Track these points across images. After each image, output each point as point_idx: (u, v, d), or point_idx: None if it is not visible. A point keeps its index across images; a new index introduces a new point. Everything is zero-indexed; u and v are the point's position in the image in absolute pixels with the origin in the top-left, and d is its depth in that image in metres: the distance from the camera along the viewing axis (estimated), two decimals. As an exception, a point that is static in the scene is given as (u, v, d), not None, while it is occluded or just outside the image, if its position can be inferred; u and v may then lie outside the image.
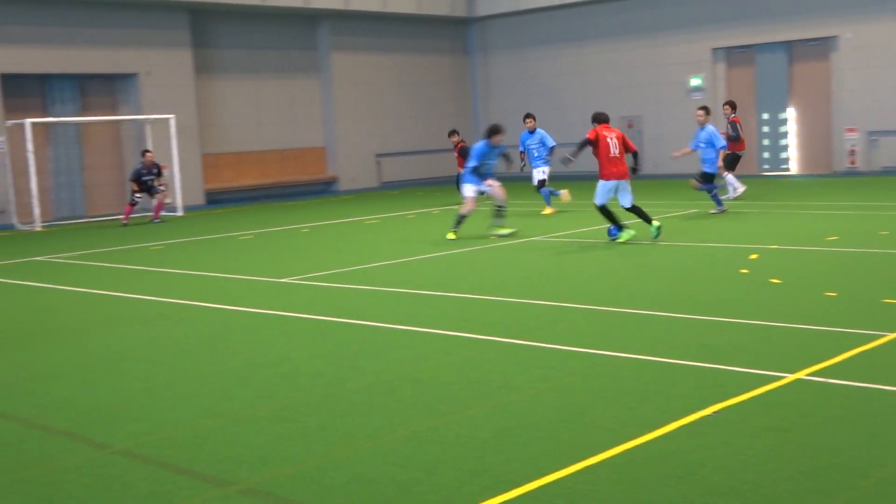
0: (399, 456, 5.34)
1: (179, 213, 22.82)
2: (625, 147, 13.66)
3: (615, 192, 13.70)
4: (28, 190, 21.35)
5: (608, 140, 13.52)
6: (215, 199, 25.85)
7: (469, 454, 5.32)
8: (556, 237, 14.88)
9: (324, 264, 13.17)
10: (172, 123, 23.26)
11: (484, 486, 4.85)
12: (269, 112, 27.20)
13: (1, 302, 11.47)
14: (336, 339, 8.49)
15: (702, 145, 16.97)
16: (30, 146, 21.00)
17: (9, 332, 9.57)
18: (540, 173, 18.52)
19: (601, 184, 13.57)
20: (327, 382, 7.02)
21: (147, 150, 21.35)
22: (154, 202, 20.86)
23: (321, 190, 28.36)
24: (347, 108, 28.30)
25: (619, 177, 13.55)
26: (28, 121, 21.04)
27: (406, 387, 6.78)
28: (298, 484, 5.02)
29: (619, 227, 13.70)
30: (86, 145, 24.03)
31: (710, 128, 16.95)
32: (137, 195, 20.76)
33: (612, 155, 13.53)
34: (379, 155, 28.95)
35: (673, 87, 27.29)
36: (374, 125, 28.74)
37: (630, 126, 27.81)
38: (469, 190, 15.32)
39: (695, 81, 26.86)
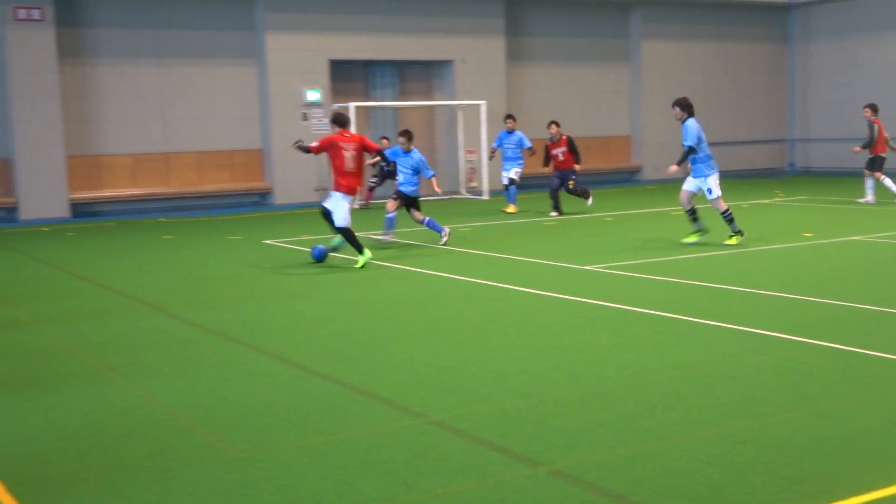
0: (711, 454, 5.21)
1: (485, 196, 23.44)
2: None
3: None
4: (348, 169, 22.70)
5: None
6: (521, 184, 26.26)
7: (786, 460, 5.10)
8: (876, 237, 13.91)
9: (627, 254, 13.07)
10: (483, 109, 23.93)
11: (803, 494, 4.63)
12: (576, 99, 27.32)
13: (326, 273, 12.28)
14: (640, 328, 8.40)
15: None
16: (353, 128, 22.28)
17: (330, 302, 10.24)
18: (512, 173, 19.44)
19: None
20: (633, 372, 6.97)
21: (384, 138, 21.93)
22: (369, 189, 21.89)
23: (625, 179, 28.16)
24: (655, 96, 27.85)
25: None
26: (352, 104, 22.41)
27: (717, 384, 6.60)
28: (607, 471, 5.02)
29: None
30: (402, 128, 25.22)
31: None
32: (374, 179, 21.92)
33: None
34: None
35: None
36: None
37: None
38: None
39: None
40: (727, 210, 13.71)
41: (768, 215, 17.94)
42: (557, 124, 19.14)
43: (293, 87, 22.97)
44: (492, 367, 7.25)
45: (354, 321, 9.12)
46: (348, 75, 24.39)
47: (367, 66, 24.64)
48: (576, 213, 19.00)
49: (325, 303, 10.13)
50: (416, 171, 14.85)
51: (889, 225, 15.40)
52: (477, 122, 23.95)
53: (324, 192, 23.24)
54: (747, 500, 4.60)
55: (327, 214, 12.64)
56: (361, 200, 21.99)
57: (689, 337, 8.05)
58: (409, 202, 14.82)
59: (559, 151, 18.94)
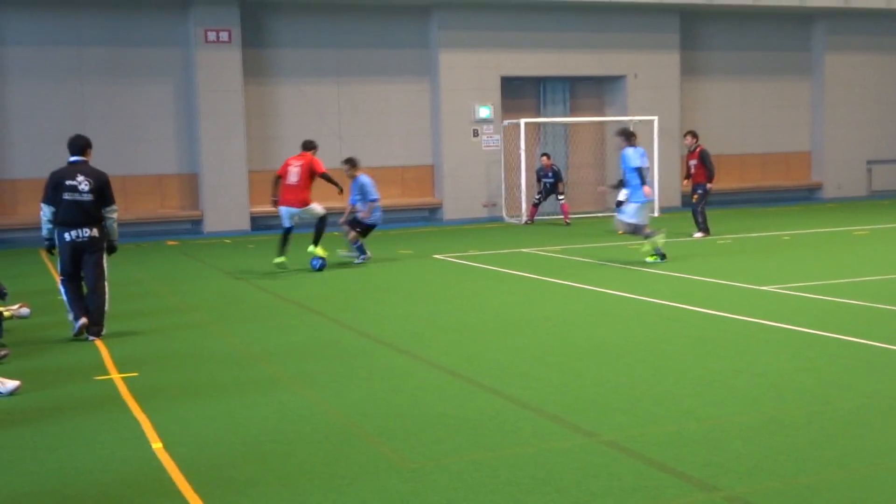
0: (901, 487, 4.94)
1: (656, 213, 23.05)
2: None
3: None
4: (518, 185, 22.83)
5: None
6: (692, 201, 25.74)
7: None
8: None
9: (806, 274, 12.58)
10: (655, 125, 23.57)
11: None
12: (754, 114, 26.54)
13: (497, 288, 12.35)
14: (821, 353, 8.06)
15: None
16: (522, 144, 22.46)
17: (499, 318, 10.28)
18: (621, 195, 16.11)
19: None
20: (815, 398, 6.69)
21: (544, 154, 21.89)
22: (560, 206, 21.68)
23: (803, 197, 27.13)
24: (838, 111, 26.75)
25: None
26: (523, 121, 22.51)
27: None
28: (787, 500, 4.83)
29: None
30: (572, 144, 25.15)
31: None
32: (538, 196, 21.89)
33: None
34: (871, 162, 27.05)
35: None
36: (867, 130, 26.88)
37: None
38: None
39: None
40: (649, 233, 14.17)
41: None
42: (694, 135, 18.21)
43: (465, 104, 23.26)
44: (665, 387, 7.10)
45: (523, 337, 9.12)
46: (519, 92, 24.50)
47: (539, 82, 24.68)
48: (749, 233, 18.41)
49: (494, 318, 10.18)
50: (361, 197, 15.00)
51: None
52: (650, 138, 23.60)
53: (493, 207, 23.46)
54: (942, 538, 4.34)
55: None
56: (526, 218, 22.03)
57: (874, 363, 7.67)
58: (357, 224, 15.09)
59: (692, 164, 17.97)
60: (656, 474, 5.27)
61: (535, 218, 22.27)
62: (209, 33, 21.22)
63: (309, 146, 14.51)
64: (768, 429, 6.01)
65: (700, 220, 17.96)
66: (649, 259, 14.10)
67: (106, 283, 9.68)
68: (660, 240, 14.21)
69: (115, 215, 9.64)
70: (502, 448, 5.78)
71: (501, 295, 11.74)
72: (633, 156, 14.26)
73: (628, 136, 14.50)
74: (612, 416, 6.40)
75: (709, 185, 17.91)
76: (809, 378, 7.24)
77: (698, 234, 17.81)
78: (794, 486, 5.03)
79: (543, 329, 9.48)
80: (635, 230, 14.36)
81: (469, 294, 11.94)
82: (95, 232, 9.50)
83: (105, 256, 9.70)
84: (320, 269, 14.18)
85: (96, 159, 10.53)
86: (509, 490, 5.08)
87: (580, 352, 8.41)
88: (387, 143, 23.11)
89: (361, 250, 15.12)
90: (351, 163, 15.09)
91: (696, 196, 17.87)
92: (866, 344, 8.32)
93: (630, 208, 14.24)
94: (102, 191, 9.53)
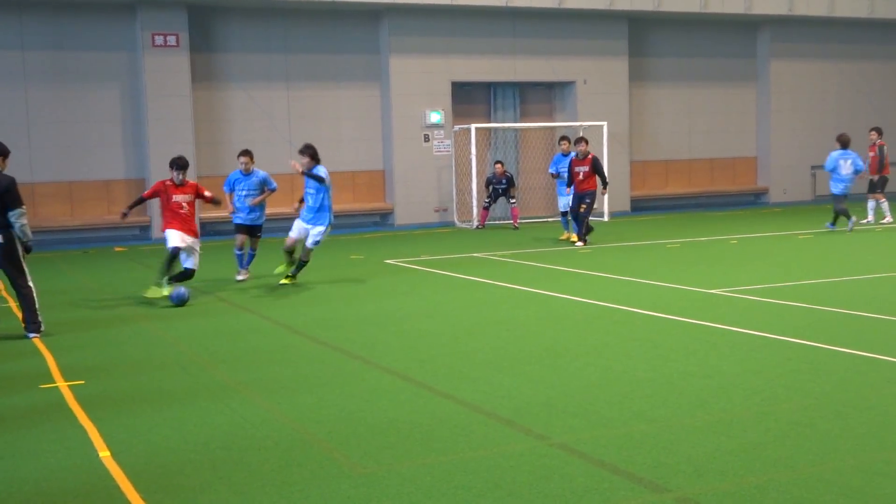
0: (847, 486, 5.02)
1: (605, 218, 23.23)
2: None
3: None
4: (469, 190, 22.89)
5: None
6: (641, 206, 26.05)
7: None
8: None
9: (753, 278, 12.75)
10: (604, 130, 23.76)
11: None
12: (702, 120, 26.88)
13: (449, 293, 12.37)
14: (768, 354, 8.17)
15: None
16: (473, 149, 22.53)
17: (451, 322, 10.29)
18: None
19: None
20: (763, 399, 6.78)
21: (498, 162, 22.04)
22: (510, 210, 21.96)
23: (750, 202, 27.53)
24: (783, 117, 27.20)
25: None
26: (473, 125, 22.58)
27: (851, 413, 6.36)
28: (736, 500, 4.89)
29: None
30: (523, 150, 25.27)
31: None
32: (487, 200, 22.11)
33: None
34: (815, 167, 27.50)
35: None
36: (811, 135, 27.36)
37: None
38: None
39: None
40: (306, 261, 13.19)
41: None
42: (586, 141, 17.53)
43: (416, 109, 23.26)
44: (615, 390, 7.15)
45: (475, 341, 9.13)
46: (470, 97, 24.56)
47: (489, 87, 24.76)
48: (697, 237, 18.62)
49: (446, 323, 10.18)
50: (259, 193, 13.77)
51: None
52: (599, 143, 23.77)
53: (444, 212, 23.50)
54: (887, 535, 4.42)
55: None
56: (477, 222, 22.14)
57: (820, 364, 7.79)
58: (248, 231, 13.92)
59: (581, 170, 17.16)
60: (607, 476, 5.30)
61: (486, 223, 22.35)
62: (156, 37, 20.99)
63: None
64: (717, 430, 6.08)
65: (584, 229, 17.43)
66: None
67: (30, 282, 9.80)
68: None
69: (23, 219, 9.62)
70: (454, 452, 5.78)
71: (453, 299, 11.75)
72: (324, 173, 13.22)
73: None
74: (564, 418, 6.43)
75: (603, 193, 17.82)
76: (757, 379, 7.33)
77: (580, 244, 17.32)
78: (743, 485, 5.09)
79: (494, 333, 9.50)
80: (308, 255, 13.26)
81: (420, 299, 11.94)
82: (1, 238, 9.59)
83: (22, 257, 9.77)
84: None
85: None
86: (461, 494, 5.08)
87: (531, 355, 8.44)
88: (337, 148, 23.03)
89: (244, 263, 13.93)
90: (250, 155, 13.90)
91: (583, 206, 17.17)
92: (812, 346, 8.45)
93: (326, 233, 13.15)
94: (2, 197, 9.50)
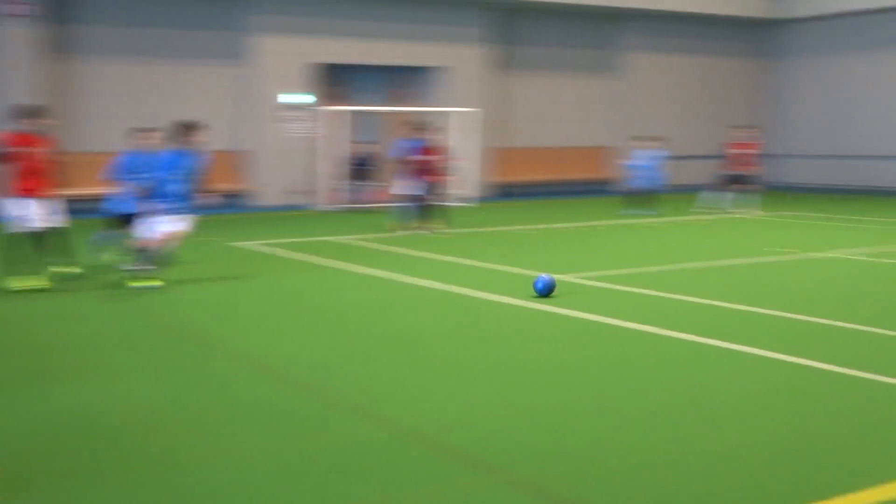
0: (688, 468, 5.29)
1: (463, 204, 23.46)
2: None
3: None
4: (329, 173, 22.79)
5: None
6: (502, 192, 26.46)
7: (754, 470, 5.18)
8: (858, 255, 14.06)
9: (597, 264, 13.15)
10: (467, 117, 24.01)
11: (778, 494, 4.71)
12: (561, 110, 27.47)
13: (295, 278, 12.32)
14: (604, 340, 8.48)
15: None
16: (333, 132, 22.45)
17: (298, 306, 10.28)
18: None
19: None
20: (604, 387, 7.03)
21: (357, 141, 22.08)
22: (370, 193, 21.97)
23: (605, 189, 28.31)
24: (640, 108, 28.07)
25: None
26: (335, 108, 22.50)
27: (703, 402, 6.67)
28: (581, 485, 5.07)
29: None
30: (386, 133, 25.27)
31: None
32: (348, 182, 22.12)
33: None
34: (671, 158, 28.46)
35: None
36: (668, 127, 28.30)
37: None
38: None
39: None
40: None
41: (747, 229, 18.10)
42: (437, 128, 17.36)
43: (277, 89, 23.00)
44: (454, 375, 7.30)
45: (321, 328, 9.17)
46: (333, 79, 24.41)
47: (353, 70, 24.68)
48: (553, 223, 19.05)
49: (293, 307, 10.17)
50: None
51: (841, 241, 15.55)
52: (462, 129, 24.01)
53: (302, 194, 23.33)
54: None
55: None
56: (336, 205, 22.10)
57: (661, 351, 8.14)
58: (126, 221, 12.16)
59: (429, 157, 17.18)
60: (447, 461, 5.43)
61: (346, 205, 22.27)
62: (7, 6, 20.11)
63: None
64: (558, 413, 6.29)
65: (429, 217, 17.33)
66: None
67: None
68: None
69: None
70: (300, 441, 5.80)
71: (301, 283, 11.72)
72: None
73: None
74: (402, 404, 6.54)
75: (447, 181, 17.70)
76: (593, 367, 7.60)
77: (423, 231, 17.14)
78: (580, 465, 5.29)
79: (340, 319, 9.53)
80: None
81: (269, 282, 11.84)
82: None
83: None
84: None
85: None
86: (308, 481, 5.12)
87: (378, 342, 8.50)
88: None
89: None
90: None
91: (429, 193, 17.19)
92: (653, 333, 8.79)
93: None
94: None
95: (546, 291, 10.57)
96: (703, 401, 6.59)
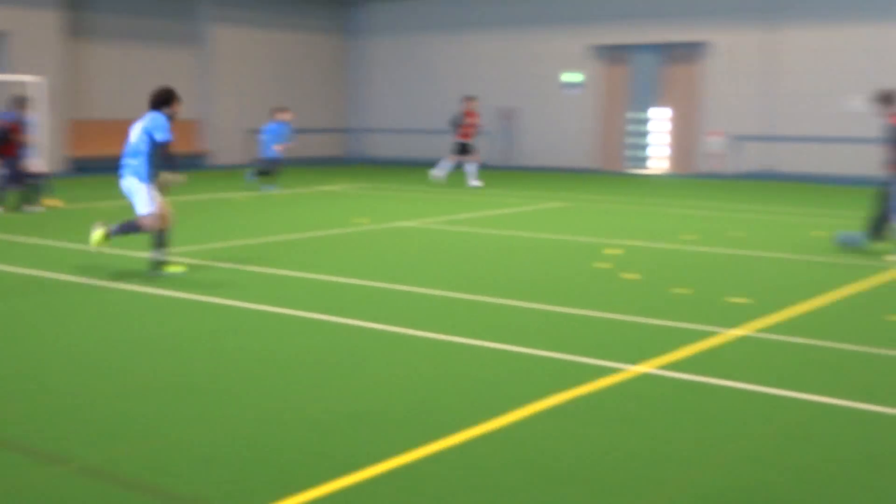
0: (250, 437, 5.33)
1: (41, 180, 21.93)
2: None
3: None
4: None
5: None
6: (81, 166, 25.06)
7: (315, 437, 5.33)
8: (429, 223, 14.99)
9: (192, 238, 12.95)
10: (38, 87, 22.37)
11: (327, 468, 4.87)
12: (142, 81, 26.44)
13: None
14: (186, 317, 8.37)
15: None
16: None
17: None
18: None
19: None
20: (176, 362, 6.91)
21: None
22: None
23: (192, 164, 27.80)
24: (226, 82, 27.85)
25: None
26: None
27: (256, 368, 6.75)
28: (143, 464, 4.94)
29: None
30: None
31: None
32: None
33: None
34: (253, 131, 28.56)
35: (548, 81, 27.73)
36: (250, 101, 28.34)
37: (507, 118, 28.20)
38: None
39: (571, 77, 27.32)
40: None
41: (334, 202, 18.65)
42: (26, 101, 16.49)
43: None
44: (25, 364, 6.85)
45: None
46: None
47: None
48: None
49: None
50: None
51: (430, 210, 16.62)
52: (33, 99, 22.32)
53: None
54: (278, 476, 4.76)
55: None
56: None
57: (238, 324, 8.15)
58: None
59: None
60: (4, 453, 5.06)
61: None
62: None
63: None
64: (125, 396, 6.09)
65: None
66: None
67: None
68: None
69: None
70: None
71: None
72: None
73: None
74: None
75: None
76: (172, 342, 7.46)
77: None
78: (151, 447, 5.16)
79: None
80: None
81: None
82: None
83: None
84: None
85: None
86: None
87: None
88: None
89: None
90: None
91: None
92: (232, 305, 8.80)
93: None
94: None
95: None
96: (261, 368, 6.70)
